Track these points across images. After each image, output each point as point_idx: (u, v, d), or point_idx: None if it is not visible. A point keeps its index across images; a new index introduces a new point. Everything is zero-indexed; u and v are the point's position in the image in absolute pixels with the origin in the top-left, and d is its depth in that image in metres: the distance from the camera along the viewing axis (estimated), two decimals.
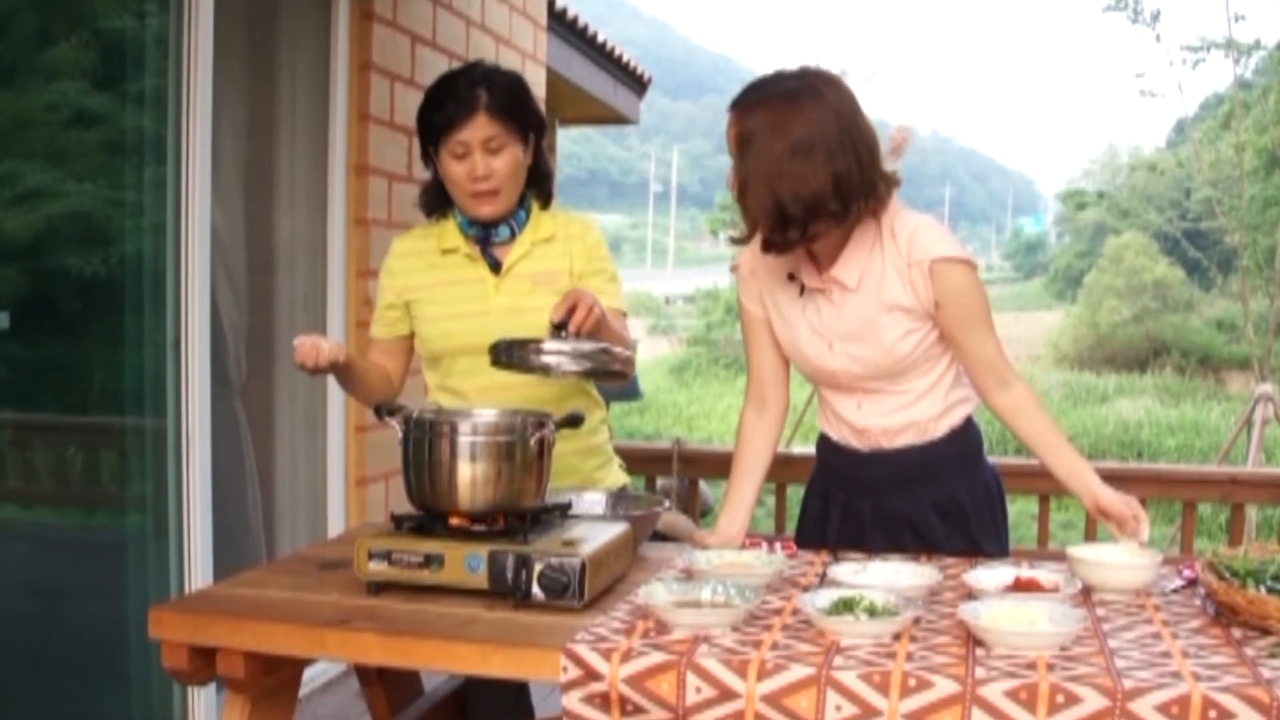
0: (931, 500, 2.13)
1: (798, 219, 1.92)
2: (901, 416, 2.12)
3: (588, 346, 1.97)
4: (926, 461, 2.13)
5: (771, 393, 2.23)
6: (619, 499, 2.19)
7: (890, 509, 2.15)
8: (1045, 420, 2.09)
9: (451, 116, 2.19)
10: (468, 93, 2.18)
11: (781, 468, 4.05)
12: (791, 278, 2.11)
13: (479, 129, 2.18)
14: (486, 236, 2.29)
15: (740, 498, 2.21)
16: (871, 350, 2.06)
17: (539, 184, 2.33)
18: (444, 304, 2.30)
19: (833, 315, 2.08)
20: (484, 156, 2.20)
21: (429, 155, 2.29)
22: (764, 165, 1.92)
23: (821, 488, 2.27)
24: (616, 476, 2.41)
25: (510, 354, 1.97)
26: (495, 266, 2.28)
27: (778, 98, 1.94)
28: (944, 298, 2.01)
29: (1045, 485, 3.49)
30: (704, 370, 22.26)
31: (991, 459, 2.28)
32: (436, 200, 2.35)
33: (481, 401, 2.21)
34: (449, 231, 2.33)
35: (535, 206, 2.33)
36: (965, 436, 2.17)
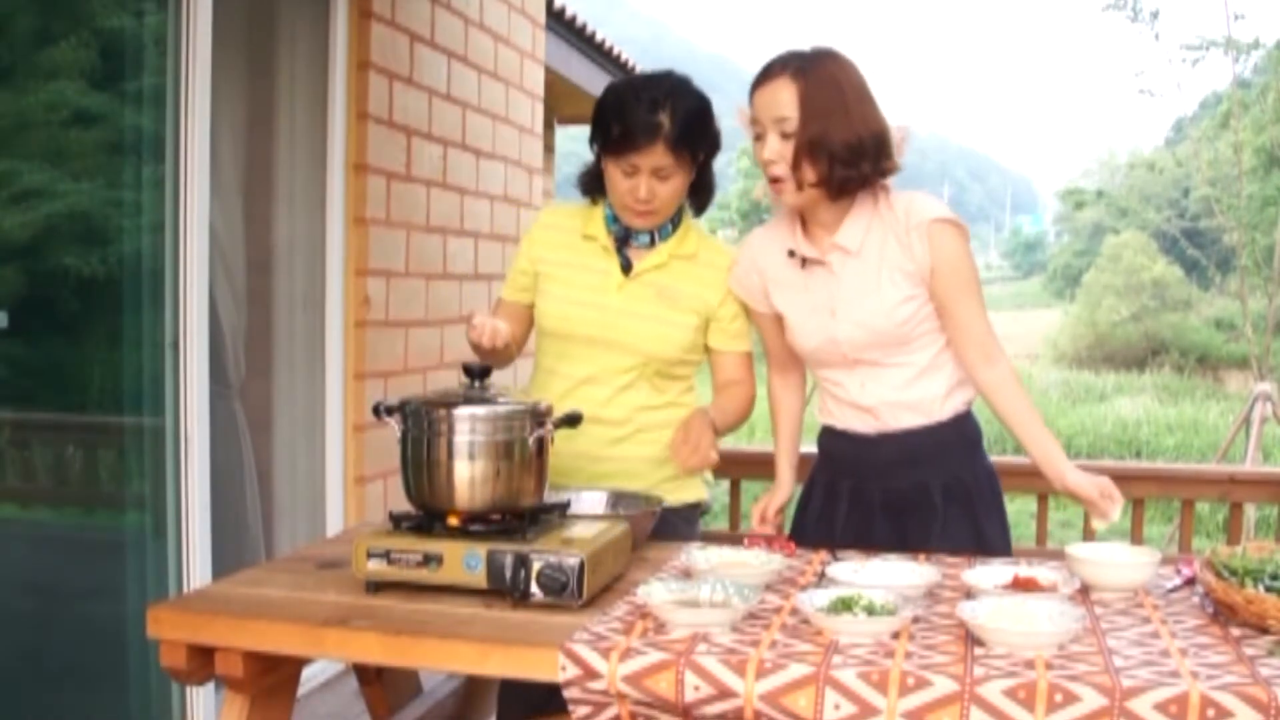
0: (939, 481, 2.18)
1: (871, 153, 2.06)
2: (905, 394, 2.17)
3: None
4: (933, 443, 2.18)
5: (790, 360, 2.35)
6: (619, 498, 2.19)
7: (898, 491, 2.19)
8: (1025, 401, 2.16)
9: (629, 139, 2.17)
10: (648, 117, 2.16)
11: None
12: (791, 254, 2.19)
13: (653, 158, 2.18)
14: (626, 236, 2.31)
15: (788, 447, 2.39)
16: (873, 314, 2.12)
17: (698, 195, 2.33)
18: (568, 286, 2.32)
19: (834, 284, 2.16)
20: (651, 181, 2.20)
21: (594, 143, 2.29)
22: (840, 112, 2.04)
23: (826, 479, 2.30)
24: (688, 492, 2.37)
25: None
26: (626, 267, 2.29)
27: (826, 59, 2.09)
28: (939, 262, 2.11)
29: (1043, 484, 3.49)
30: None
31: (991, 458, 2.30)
32: (593, 187, 2.35)
33: (572, 392, 2.28)
34: (595, 219, 2.34)
35: (687, 216, 2.35)
36: (968, 423, 2.24)
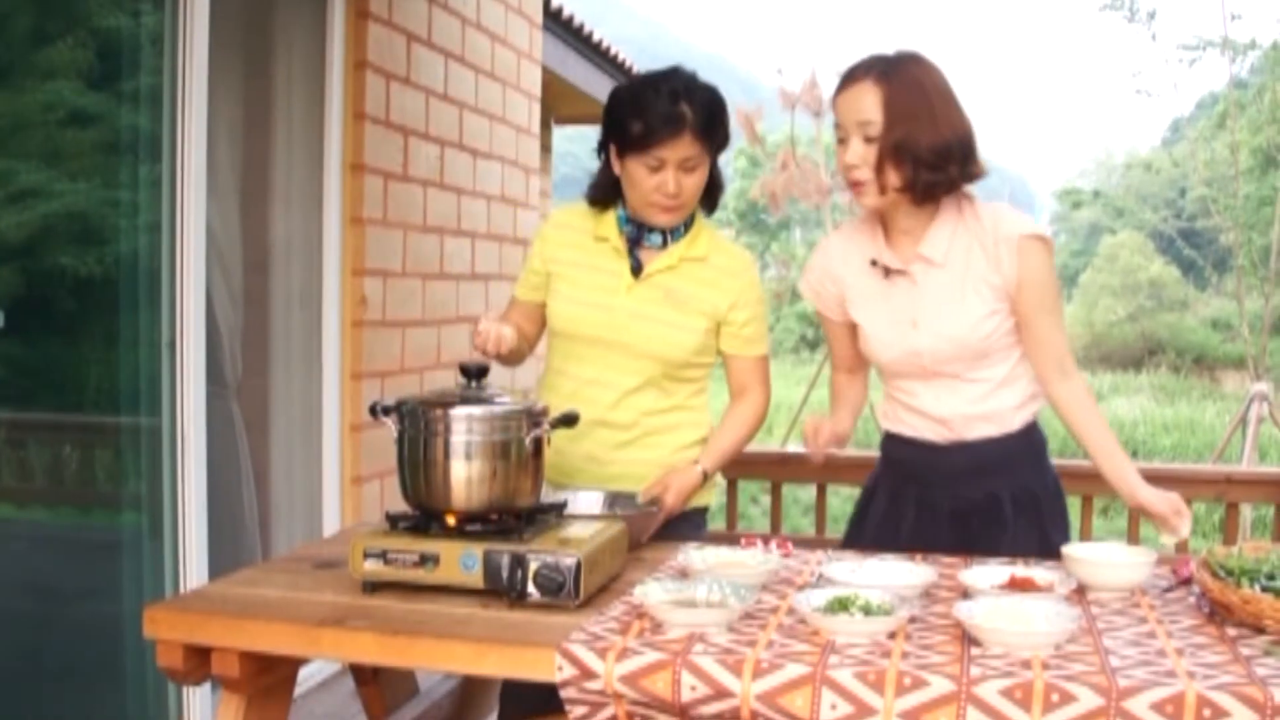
0: (1008, 491, 2.17)
1: (958, 156, 2.04)
2: (981, 406, 2.16)
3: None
4: (1003, 452, 2.17)
5: (858, 363, 2.33)
6: (615, 499, 2.19)
7: (967, 500, 2.17)
8: (1099, 416, 2.16)
9: (655, 132, 2.17)
10: (671, 108, 2.17)
11: (777, 468, 4.04)
12: (874, 264, 2.17)
13: (681, 148, 2.18)
14: (638, 238, 2.30)
15: (848, 407, 2.35)
16: (958, 327, 2.11)
17: (709, 193, 2.33)
18: (578, 286, 2.31)
19: (916, 295, 2.14)
20: (678, 174, 2.20)
21: (606, 149, 2.29)
22: (926, 115, 2.02)
23: (890, 486, 2.28)
24: (695, 496, 2.34)
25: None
26: (636, 269, 2.29)
27: (910, 61, 2.08)
28: (1026, 277, 2.09)
29: None
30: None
31: None
32: (607, 196, 2.33)
33: (579, 393, 2.27)
34: (607, 221, 2.33)
35: (698, 217, 2.35)
36: (1036, 432, 2.23)
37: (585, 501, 2.16)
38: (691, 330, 2.28)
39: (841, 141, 2.09)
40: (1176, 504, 2.05)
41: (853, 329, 2.25)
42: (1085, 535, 3.57)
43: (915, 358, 2.15)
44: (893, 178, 2.04)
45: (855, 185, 2.09)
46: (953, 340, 2.11)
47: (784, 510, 4.12)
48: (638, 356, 2.27)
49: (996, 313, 2.11)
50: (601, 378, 2.29)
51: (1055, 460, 2.32)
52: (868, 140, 2.04)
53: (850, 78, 2.08)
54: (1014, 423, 2.17)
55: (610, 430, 2.28)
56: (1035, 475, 2.22)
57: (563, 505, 2.02)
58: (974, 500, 2.17)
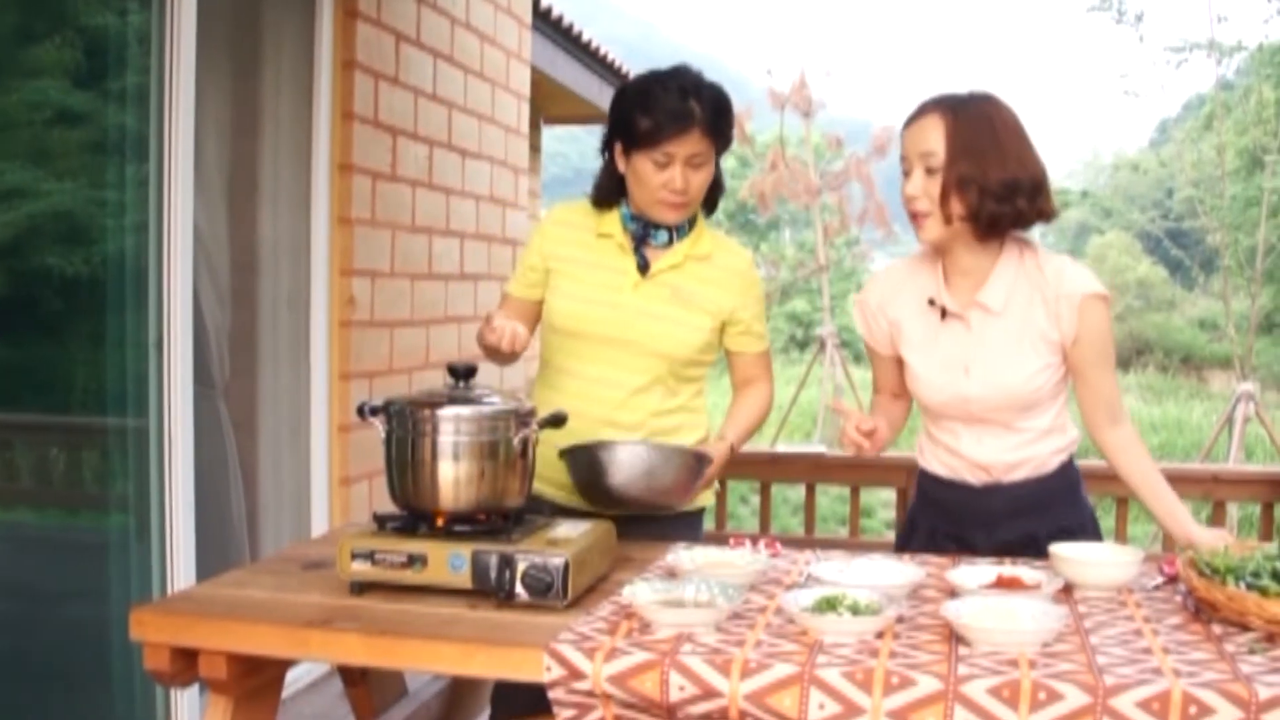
0: (1044, 530, 2.15)
1: (1027, 192, 2.04)
2: (1023, 452, 2.15)
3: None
4: (1039, 493, 2.17)
5: (902, 390, 2.30)
6: (660, 447, 2.13)
7: (1003, 541, 2.16)
8: (1149, 460, 2.17)
9: (664, 128, 2.17)
10: (680, 104, 2.17)
11: (766, 467, 4.06)
12: (931, 303, 2.16)
13: (690, 144, 2.18)
14: (644, 235, 2.30)
15: (883, 421, 2.23)
16: (1012, 378, 2.10)
17: (710, 194, 2.33)
18: (581, 284, 2.30)
19: (971, 341, 2.13)
20: (685, 170, 2.20)
21: (610, 148, 2.29)
22: (993, 150, 2.03)
23: (928, 525, 2.28)
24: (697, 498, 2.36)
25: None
26: (643, 267, 2.29)
27: (980, 99, 2.09)
28: (1085, 334, 2.09)
29: None
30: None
31: None
32: (612, 197, 2.33)
33: (586, 392, 2.26)
34: (610, 218, 2.33)
35: (700, 215, 2.35)
36: (1071, 469, 2.23)
37: (626, 453, 2.09)
38: (698, 328, 2.29)
39: (906, 174, 2.10)
40: (1227, 541, 2.06)
41: (899, 363, 2.24)
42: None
43: (964, 404, 2.14)
44: (957, 207, 2.04)
45: (915, 217, 2.09)
46: (1005, 390, 2.11)
47: (773, 510, 4.13)
48: (645, 354, 2.27)
49: (1050, 366, 2.11)
50: (608, 376, 2.28)
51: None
52: (929, 171, 2.05)
53: (919, 112, 2.09)
54: (1050, 465, 2.18)
55: (616, 430, 2.26)
56: (1071, 513, 2.21)
57: (553, 506, 2.02)
58: (1011, 542, 2.16)
